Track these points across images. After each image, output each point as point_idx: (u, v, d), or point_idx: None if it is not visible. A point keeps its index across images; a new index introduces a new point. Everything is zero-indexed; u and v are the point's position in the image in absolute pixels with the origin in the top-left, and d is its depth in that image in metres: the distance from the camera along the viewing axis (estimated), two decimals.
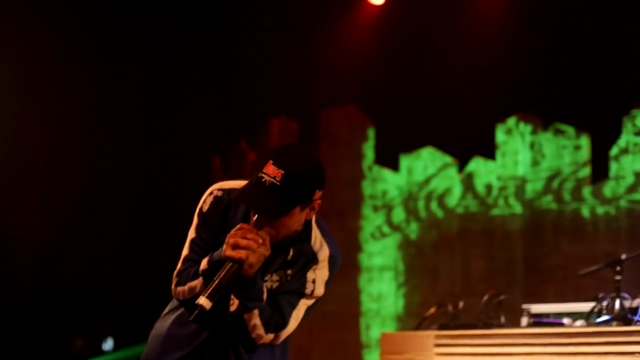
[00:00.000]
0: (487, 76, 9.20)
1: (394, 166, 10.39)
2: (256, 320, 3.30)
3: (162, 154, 10.18)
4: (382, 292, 10.24)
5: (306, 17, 9.85)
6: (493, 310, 6.05)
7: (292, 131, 10.56)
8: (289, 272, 3.38)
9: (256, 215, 3.20)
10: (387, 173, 10.45)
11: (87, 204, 9.51)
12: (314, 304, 3.42)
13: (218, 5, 9.60)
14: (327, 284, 3.42)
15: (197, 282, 3.27)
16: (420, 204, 10.18)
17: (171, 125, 10.18)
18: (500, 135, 9.76)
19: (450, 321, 6.15)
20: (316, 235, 3.40)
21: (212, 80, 10.11)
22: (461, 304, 6.26)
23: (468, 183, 9.92)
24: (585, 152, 9.34)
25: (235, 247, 3.13)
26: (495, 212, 9.73)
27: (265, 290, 3.28)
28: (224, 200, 3.36)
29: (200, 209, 3.39)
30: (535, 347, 5.30)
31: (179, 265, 3.38)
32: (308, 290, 3.38)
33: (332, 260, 3.42)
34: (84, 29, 9.54)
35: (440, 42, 9.60)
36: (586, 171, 9.31)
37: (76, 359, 10.27)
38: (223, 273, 3.12)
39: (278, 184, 3.13)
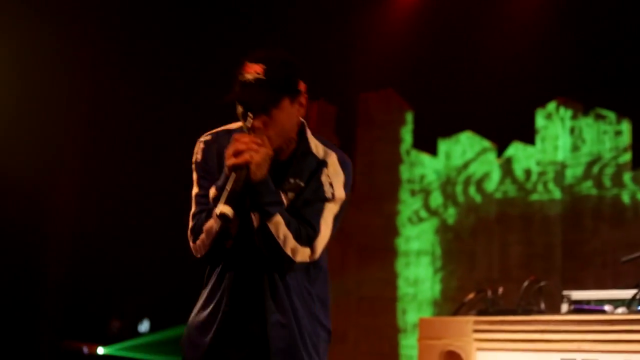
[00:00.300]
0: (528, 60, 9.11)
1: (432, 150, 10.33)
2: (284, 230, 3.20)
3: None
4: (419, 276, 10.20)
5: (345, 0, 9.80)
6: (533, 296, 5.99)
7: (331, 115, 10.53)
8: (301, 183, 3.33)
9: (248, 120, 3.21)
10: (425, 157, 10.39)
11: (125, 186, 9.52)
12: (340, 209, 3.35)
13: None
14: (346, 186, 3.37)
15: (213, 222, 3.24)
16: (458, 189, 10.12)
17: (209, 110, 10.18)
18: (540, 120, 9.67)
19: (489, 307, 6.10)
20: (316, 144, 3.40)
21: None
22: (500, 290, 6.21)
23: (507, 168, 9.85)
24: (626, 138, 9.24)
25: (237, 153, 3.12)
26: (534, 197, 9.65)
27: (281, 194, 3.24)
28: (214, 142, 3.39)
29: (195, 160, 3.41)
30: (576, 334, 5.25)
31: (190, 224, 3.38)
32: (328, 194, 3.32)
33: (343, 164, 3.39)
34: (121, 16, 9.55)
35: (480, 25, 9.51)
36: (627, 157, 9.20)
37: (112, 341, 10.34)
38: (232, 182, 3.09)
39: (263, 77, 3.18)
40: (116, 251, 9.68)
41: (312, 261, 3.27)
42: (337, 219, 3.33)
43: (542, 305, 5.96)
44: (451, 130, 10.16)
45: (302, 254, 3.23)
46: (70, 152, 9.47)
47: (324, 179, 3.32)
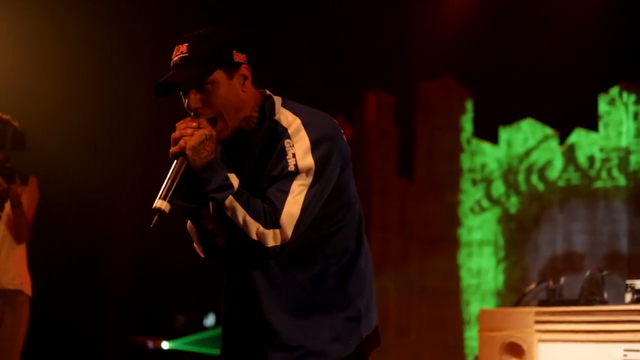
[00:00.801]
0: (589, 45, 8.95)
1: (493, 139, 10.22)
2: (242, 213, 2.84)
3: None
4: (481, 267, 10.10)
5: None
6: (595, 286, 5.88)
7: (389, 104, 10.45)
8: (268, 162, 2.98)
9: (185, 103, 2.98)
10: (486, 146, 10.28)
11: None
12: (315, 181, 2.91)
13: None
14: (315, 150, 2.92)
15: (189, 221, 3.09)
16: (521, 177, 9.99)
17: None
18: (602, 106, 9.50)
19: (551, 297, 6.01)
20: (284, 114, 3.03)
21: (306, 56, 10.06)
22: (562, 280, 6.11)
23: (570, 155, 9.70)
24: None
25: (173, 142, 2.89)
26: (598, 184, 9.49)
27: (232, 177, 2.89)
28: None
29: None
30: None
31: None
32: (290, 166, 2.90)
33: (308, 125, 2.96)
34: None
35: (539, 11, 9.38)
36: None
37: (177, 335, 10.39)
38: (171, 171, 2.85)
39: (187, 54, 2.94)
40: (180, 245, 9.71)
41: (284, 244, 2.85)
42: (314, 195, 2.91)
43: (605, 295, 5.85)
44: (512, 118, 10.04)
45: (274, 238, 2.84)
46: (131, 151, 9.53)
47: (286, 149, 2.93)
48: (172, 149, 2.88)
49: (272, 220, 2.85)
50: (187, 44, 2.95)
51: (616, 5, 8.91)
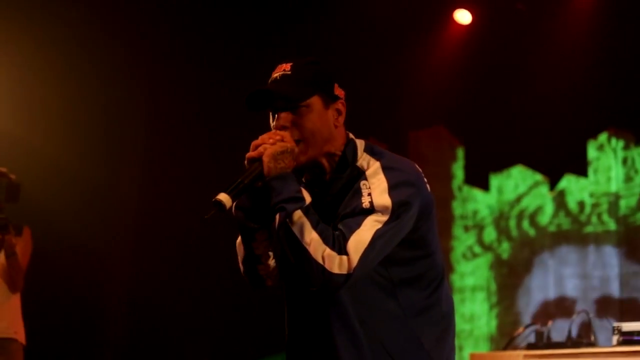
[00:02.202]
0: (577, 92, 9.07)
1: (484, 186, 10.32)
2: (309, 231, 2.65)
3: None
4: (474, 312, 10.15)
5: (392, 39, 9.85)
6: (583, 329, 5.96)
7: None
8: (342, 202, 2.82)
9: (275, 120, 2.88)
10: (477, 193, 10.38)
11: (183, 226, 9.58)
12: (390, 220, 2.72)
13: (303, 29, 9.68)
14: (394, 191, 2.75)
15: (239, 239, 2.96)
16: (512, 223, 10.07)
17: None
18: (591, 152, 9.61)
19: (539, 340, 6.09)
20: (366, 158, 2.91)
21: None
22: (550, 323, 6.19)
23: (560, 201, 9.79)
24: None
25: (253, 148, 2.80)
26: (589, 229, 9.58)
27: (304, 193, 2.74)
28: None
29: None
30: None
31: None
32: (365, 204, 2.74)
33: (388, 169, 2.82)
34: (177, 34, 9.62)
35: (528, 60, 9.50)
36: None
37: None
38: (245, 173, 2.76)
39: (289, 72, 2.86)
40: (174, 295, 9.75)
41: (349, 274, 2.63)
42: (388, 228, 2.72)
43: (592, 338, 5.93)
44: (502, 164, 10.14)
45: (340, 264, 2.62)
46: (124, 199, 9.60)
47: (363, 190, 2.77)
48: (250, 153, 2.79)
49: (340, 245, 2.65)
50: (291, 64, 2.89)
51: (603, 53, 9.04)
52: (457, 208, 10.42)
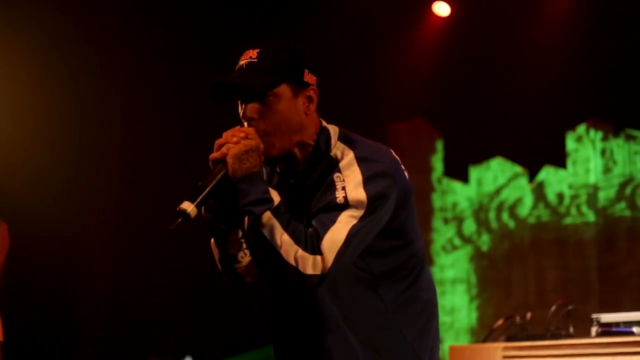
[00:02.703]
0: (555, 84, 9.09)
1: (464, 178, 10.33)
2: (280, 233, 2.57)
3: None
4: (455, 305, 10.17)
5: (371, 31, 9.85)
6: (561, 320, 5.96)
7: None
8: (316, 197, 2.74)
9: (242, 110, 2.77)
10: (456, 185, 10.39)
11: (164, 216, 9.54)
12: (365, 215, 2.64)
13: (281, 22, 9.65)
14: (367, 184, 2.65)
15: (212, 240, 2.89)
16: (491, 215, 10.09)
17: None
18: (570, 143, 9.63)
19: (518, 332, 6.09)
20: (340, 147, 2.81)
21: None
22: (529, 315, 6.19)
23: (539, 192, 9.81)
24: None
25: (217, 148, 2.69)
26: (568, 221, 9.60)
27: (273, 193, 2.65)
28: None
29: None
30: (604, 357, 5.22)
31: None
32: (339, 198, 2.64)
33: (362, 159, 2.72)
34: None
35: (506, 52, 9.51)
36: None
37: None
38: (209, 177, 2.65)
39: (255, 59, 2.74)
40: (153, 287, 9.72)
41: (323, 274, 2.57)
42: (363, 224, 2.64)
43: (571, 329, 5.93)
44: (482, 156, 10.16)
45: (313, 265, 2.55)
46: (103, 192, 9.55)
47: (337, 183, 2.68)
48: (213, 155, 2.68)
49: (313, 245, 2.57)
50: (257, 50, 2.77)
51: (581, 44, 9.04)
52: (436, 200, 10.43)
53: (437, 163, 10.49)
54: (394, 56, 10.04)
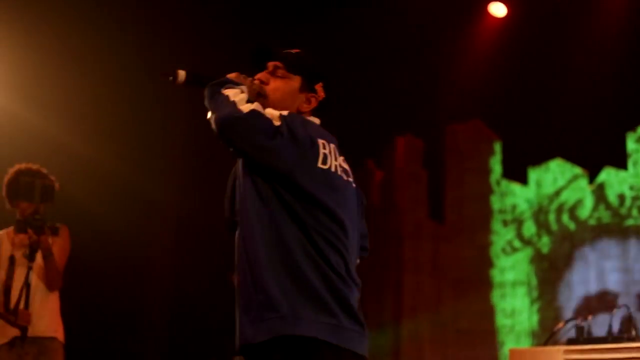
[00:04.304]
0: (615, 84, 8.98)
1: (523, 179, 10.24)
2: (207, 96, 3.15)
3: None
4: (515, 307, 10.08)
5: (428, 33, 9.80)
6: (624, 323, 5.87)
7: (418, 148, 10.52)
8: None
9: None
10: (515, 187, 10.31)
11: (223, 232, 9.60)
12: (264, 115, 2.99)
13: (340, 22, 9.64)
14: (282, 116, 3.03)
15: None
16: (551, 217, 9.99)
17: None
18: (631, 144, 9.52)
19: (579, 335, 6.01)
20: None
21: (335, 101, 10.16)
22: (590, 318, 6.11)
23: (600, 194, 9.70)
24: None
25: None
26: (630, 222, 9.47)
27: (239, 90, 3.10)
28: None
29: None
30: None
31: None
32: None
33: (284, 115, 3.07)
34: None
35: (565, 51, 9.42)
36: None
37: None
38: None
39: (294, 52, 3.25)
40: (213, 288, 9.77)
41: (219, 131, 3.04)
42: (262, 114, 2.98)
43: (634, 332, 5.84)
44: (541, 158, 10.07)
45: (211, 117, 3.09)
46: (166, 197, 9.63)
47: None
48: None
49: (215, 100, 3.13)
50: (298, 50, 3.26)
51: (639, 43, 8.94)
52: (495, 202, 10.35)
53: (496, 165, 10.41)
54: (451, 58, 9.99)
